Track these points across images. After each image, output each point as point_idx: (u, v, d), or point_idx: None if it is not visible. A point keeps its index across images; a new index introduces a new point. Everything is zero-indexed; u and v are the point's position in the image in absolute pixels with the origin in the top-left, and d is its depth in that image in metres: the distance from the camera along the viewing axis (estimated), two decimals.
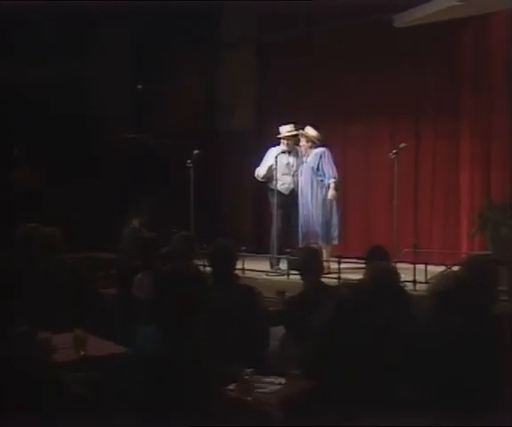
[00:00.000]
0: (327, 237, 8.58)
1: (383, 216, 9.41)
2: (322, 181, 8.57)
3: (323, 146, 8.65)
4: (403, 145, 8.03)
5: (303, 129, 8.69)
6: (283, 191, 8.84)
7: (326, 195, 8.53)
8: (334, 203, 8.57)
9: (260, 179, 9.04)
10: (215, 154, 9.96)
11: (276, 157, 8.69)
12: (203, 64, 10.89)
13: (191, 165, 8.91)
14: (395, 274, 4.64)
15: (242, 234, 9.86)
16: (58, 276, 5.55)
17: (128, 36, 10.24)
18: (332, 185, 8.47)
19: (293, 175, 8.87)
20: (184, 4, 8.97)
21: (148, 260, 5.82)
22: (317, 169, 8.59)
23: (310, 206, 8.61)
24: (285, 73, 10.31)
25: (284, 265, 8.66)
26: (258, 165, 9.19)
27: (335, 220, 8.59)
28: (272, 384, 3.85)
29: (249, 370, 3.77)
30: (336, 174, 8.49)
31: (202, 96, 10.90)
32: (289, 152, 8.86)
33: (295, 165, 8.89)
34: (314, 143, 8.65)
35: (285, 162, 8.86)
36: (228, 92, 10.80)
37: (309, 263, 5.52)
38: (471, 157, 9.03)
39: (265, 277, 8.35)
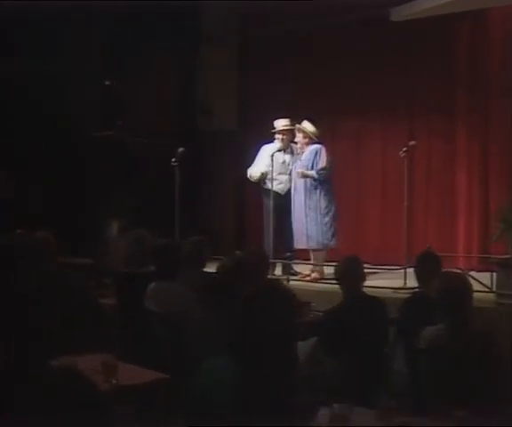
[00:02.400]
0: (321, 241, 7.90)
1: (376, 218, 8.99)
2: (316, 180, 7.89)
3: (319, 142, 7.98)
4: (412, 143, 7.48)
5: (300, 123, 7.99)
6: (279, 191, 8.16)
7: (321, 195, 7.86)
8: (330, 205, 7.91)
9: (253, 180, 8.34)
10: (197, 154, 9.27)
11: (272, 156, 8.00)
12: (181, 60, 10.22)
13: (176, 163, 8.23)
14: (469, 284, 4.01)
15: (228, 236, 9.35)
16: (58, 290, 4.83)
17: (101, 32, 9.47)
18: (313, 172, 7.78)
19: (290, 174, 8.20)
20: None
21: (165, 268, 5.07)
22: (312, 167, 7.90)
23: (304, 208, 7.91)
24: (269, 70, 9.65)
25: (278, 270, 8.07)
26: (243, 164, 8.64)
27: (330, 222, 7.91)
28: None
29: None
30: (322, 165, 7.78)
31: (181, 94, 10.24)
32: (284, 149, 8.19)
33: (291, 164, 8.23)
34: (311, 139, 7.94)
35: (281, 160, 8.20)
36: (208, 90, 10.11)
37: (350, 271, 4.84)
38: (468, 156, 8.55)
39: None
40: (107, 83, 9.21)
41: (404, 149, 7.38)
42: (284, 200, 8.06)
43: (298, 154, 8.15)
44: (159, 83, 9.69)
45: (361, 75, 8.97)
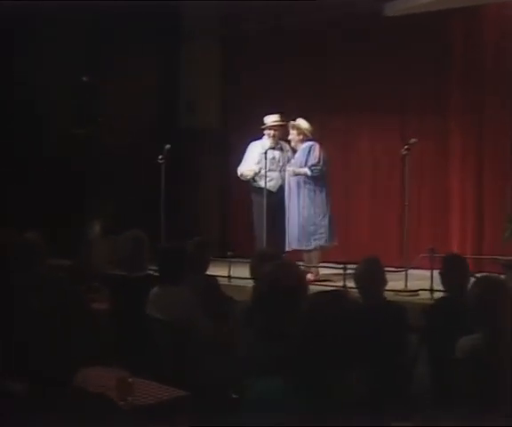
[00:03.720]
0: (316, 242, 7.60)
1: (367, 218, 8.71)
2: (309, 177, 7.58)
3: (313, 140, 7.66)
4: (413, 140, 7.16)
5: (294, 120, 7.67)
6: (270, 189, 7.81)
7: (315, 194, 7.56)
8: (324, 204, 7.59)
9: (245, 178, 7.99)
10: (181, 153, 8.87)
11: (266, 152, 7.67)
12: (165, 58, 9.82)
13: (162, 161, 7.92)
14: (509, 289, 3.70)
15: (213, 236, 8.88)
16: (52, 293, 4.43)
17: (83, 30, 9.03)
18: (305, 169, 7.48)
19: (280, 171, 7.89)
20: None
21: (169, 272, 4.71)
22: (305, 165, 7.59)
23: (297, 207, 7.62)
24: (256, 68, 9.25)
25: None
26: (229, 162, 8.40)
27: (325, 222, 7.60)
28: None
29: None
30: (315, 161, 7.48)
31: (165, 92, 9.80)
32: (274, 146, 7.87)
33: (281, 160, 7.93)
34: (305, 136, 7.63)
35: (271, 157, 7.86)
36: (193, 88, 9.70)
37: (371, 274, 4.51)
38: (462, 155, 8.27)
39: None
40: (84, 79, 9.04)
41: (406, 147, 7.11)
42: (275, 198, 7.75)
43: (287, 151, 7.89)
44: (142, 80, 9.34)
45: (351, 72, 8.65)
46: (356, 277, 4.57)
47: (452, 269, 4.39)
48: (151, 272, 5.28)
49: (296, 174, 7.57)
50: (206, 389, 3.70)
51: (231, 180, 8.67)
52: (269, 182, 7.83)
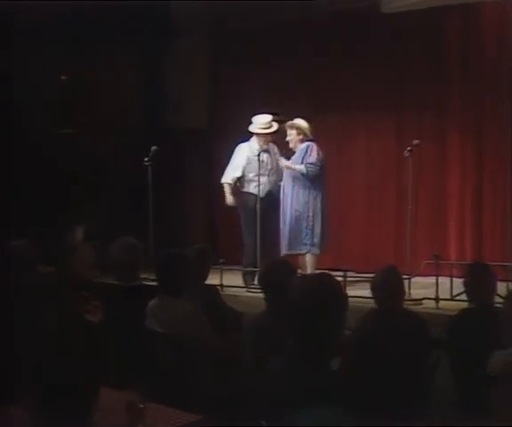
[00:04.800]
0: (310, 246, 7.31)
1: (362, 222, 8.48)
2: (304, 181, 7.30)
3: (312, 140, 7.38)
4: (416, 142, 6.96)
5: (292, 119, 7.39)
6: (257, 194, 7.50)
7: (309, 197, 7.27)
8: (319, 207, 7.31)
9: (230, 181, 7.63)
10: (167, 154, 8.39)
11: (259, 155, 7.38)
12: (150, 56, 9.53)
13: (149, 163, 7.67)
14: None
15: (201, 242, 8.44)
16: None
17: (63, 24, 8.60)
18: (301, 167, 7.21)
19: (269, 175, 7.58)
20: None
21: (169, 282, 4.37)
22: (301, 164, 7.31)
23: (290, 210, 7.35)
24: (245, 65, 8.96)
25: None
26: (215, 164, 8.19)
27: (319, 226, 7.31)
28: None
29: None
30: (312, 160, 7.20)
31: (149, 91, 9.54)
32: (262, 149, 7.51)
33: (269, 163, 7.62)
34: (305, 136, 7.34)
35: (260, 160, 7.50)
36: (177, 86, 9.37)
37: (390, 284, 4.21)
38: (460, 156, 8.06)
39: (248, 294, 7.01)
40: (63, 77, 8.79)
41: (409, 148, 6.92)
42: (262, 203, 7.41)
43: (275, 153, 7.62)
44: (128, 79, 9.14)
45: (345, 69, 8.41)
46: (373, 287, 4.26)
47: (479, 279, 4.11)
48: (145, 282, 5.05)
49: (289, 168, 7.29)
50: (222, 413, 3.37)
51: (220, 182, 8.30)
52: (256, 188, 7.54)
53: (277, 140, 7.63)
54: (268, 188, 7.54)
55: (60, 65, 8.71)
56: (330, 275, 2.89)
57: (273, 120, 7.50)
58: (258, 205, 7.30)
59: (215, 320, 4.43)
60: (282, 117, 7.44)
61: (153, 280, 6.50)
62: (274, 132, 7.50)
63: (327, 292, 2.67)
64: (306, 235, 7.28)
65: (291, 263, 4.36)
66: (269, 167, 7.60)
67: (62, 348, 2.36)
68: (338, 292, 2.74)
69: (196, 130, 9.32)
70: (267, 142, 7.57)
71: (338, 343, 2.77)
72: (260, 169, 7.37)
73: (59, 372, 2.27)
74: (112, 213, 8.07)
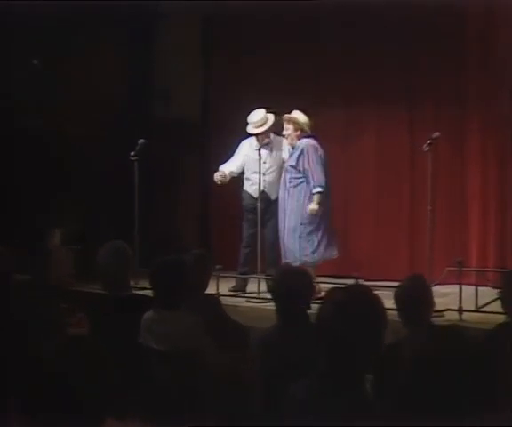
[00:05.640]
0: (310, 255, 7.22)
1: (370, 225, 8.49)
2: (301, 183, 7.21)
3: (312, 136, 7.32)
4: (436, 134, 6.92)
5: (289, 113, 7.32)
6: (252, 194, 7.56)
7: (305, 202, 7.18)
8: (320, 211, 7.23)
9: (226, 172, 7.65)
10: (155, 148, 8.50)
11: (259, 150, 7.39)
12: (135, 40, 9.51)
13: (135, 158, 7.75)
14: None
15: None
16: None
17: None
18: (315, 197, 7.09)
19: (265, 174, 7.57)
20: None
21: (166, 292, 4.30)
22: (295, 167, 7.23)
23: (286, 215, 7.29)
24: (242, 51, 8.97)
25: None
26: (213, 160, 8.21)
27: (319, 233, 7.25)
28: None
29: None
30: (322, 179, 7.12)
31: (134, 77, 9.52)
32: (261, 145, 7.51)
33: (268, 161, 7.61)
34: (303, 131, 7.27)
35: (255, 157, 7.50)
36: (165, 73, 9.37)
37: (417, 295, 4.15)
38: (481, 154, 8.02)
39: (248, 304, 7.08)
40: (34, 62, 8.71)
41: (428, 141, 6.88)
42: (257, 204, 7.46)
43: (281, 150, 7.60)
44: (109, 64, 9.10)
45: (351, 59, 8.40)
46: (398, 299, 4.19)
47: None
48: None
49: (313, 211, 7.13)
50: None
51: (211, 176, 8.26)
52: (251, 187, 7.63)
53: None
54: (261, 188, 7.51)
55: (33, 49, 8.66)
56: (366, 286, 2.79)
57: (268, 113, 7.49)
58: (246, 205, 7.50)
59: (218, 335, 4.34)
60: (275, 111, 7.47)
61: (140, 289, 6.53)
62: (269, 129, 7.49)
63: (366, 305, 2.59)
64: (307, 242, 7.22)
65: (308, 271, 4.27)
66: (268, 166, 7.58)
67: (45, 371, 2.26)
68: (378, 305, 2.65)
69: (189, 121, 9.33)
70: (265, 139, 7.55)
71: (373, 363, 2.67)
72: (260, 165, 7.38)
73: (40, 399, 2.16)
74: (92, 215, 8.23)
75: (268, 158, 7.57)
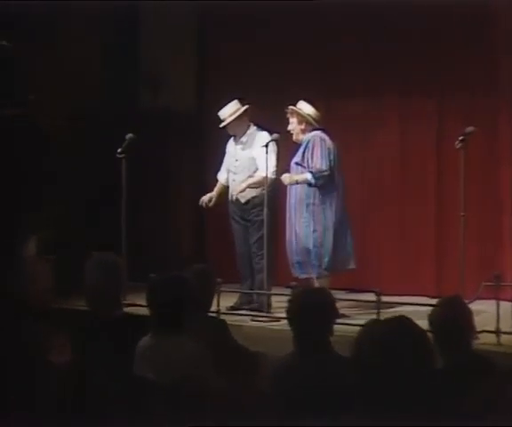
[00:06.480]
0: (318, 267, 7.23)
1: (393, 233, 8.56)
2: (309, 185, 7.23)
3: (321, 129, 7.29)
4: (470, 129, 6.89)
5: (294, 104, 7.31)
6: (239, 199, 7.58)
7: (315, 205, 7.19)
8: (332, 219, 7.26)
9: (210, 201, 7.82)
10: (143, 143, 8.43)
11: (267, 145, 7.32)
12: (120, 20, 9.54)
13: (123, 155, 7.76)
14: None
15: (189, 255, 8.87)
16: None
17: None
18: (301, 175, 7.19)
19: (235, 173, 7.69)
20: None
21: (167, 314, 4.23)
22: (300, 164, 7.24)
23: (294, 221, 7.33)
24: (241, 33, 9.12)
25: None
26: (209, 158, 8.54)
27: (330, 242, 7.24)
28: None
29: None
30: (320, 166, 7.13)
31: (119, 62, 9.50)
32: (237, 141, 7.67)
33: (239, 159, 7.73)
34: (309, 125, 7.27)
35: (233, 155, 7.68)
36: (156, 57, 9.42)
37: (457, 319, 4.10)
38: None
39: (252, 323, 7.07)
40: (2, 43, 8.70)
41: (460, 137, 6.85)
42: (244, 212, 7.58)
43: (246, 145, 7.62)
44: (89, 47, 9.15)
45: (367, 40, 8.48)
46: (434, 323, 4.12)
47: None
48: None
49: (293, 183, 7.24)
50: None
51: (210, 179, 8.38)
52: (232, 192, 7.66)
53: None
54: (231, 190, 7.62)
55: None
56: (409, 319, 2.74)
57: (243, 104, 7.57)
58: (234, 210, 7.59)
59: (224, 363, 4.32)
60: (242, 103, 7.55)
61: (128, 305, 6.49)
62: (235, 121, 7.51)
63: (411, 341, 2.60)
64: (319, 252, 7.21)
65: (329, 292, 4.21)
66: (237, 164, 7.63)
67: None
68: (424, 340, 2.64)
69: (182, 113, 9.39)
70: (239, 134, 7.60)
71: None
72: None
73: None
74: (73, 220, 8.27)
75: (239, 155, 7.60)
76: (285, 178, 7.24)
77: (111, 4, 9.07)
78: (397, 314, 5.52)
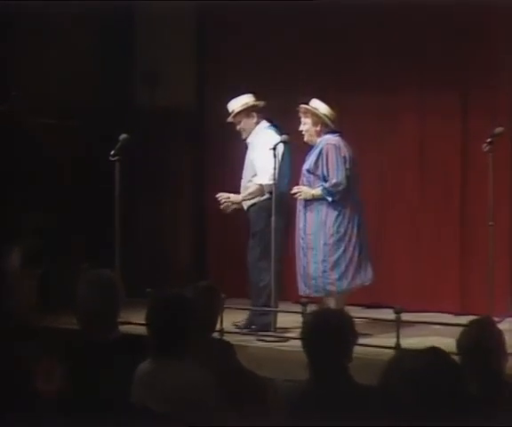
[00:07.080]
0: (330, 285, 7.28)
1: (410, 245, 8.64)
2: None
3: (337, 132, 7.31)
4: (499, 130, 6.93)
5: (307, 103, 7.30)
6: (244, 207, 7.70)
7: (328, 216, 7.20)
8: (344, 230, 7.28)
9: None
10: (138, 143, 8.65)
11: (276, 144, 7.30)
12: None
13: (116, 157, 7.80)
14: None
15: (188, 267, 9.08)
16: None
17: None
18: (316, 190, 7.20)
19: (243, 177, 7.79)
20: None
21: (167, 337, 4.21)
22: (312, 172, 7.24)
23: (304, 234, 7.35)
24: (245, 27, 9.26)
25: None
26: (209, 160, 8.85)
27: (347, 254, 7.29)
28: None
29: None
30: (336, 179, 7.15)
31: (113, 57, 9.65)
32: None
33: (246, 162, 7.83)
34: (325, 126, 7.27)
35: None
36: (153, 51, 9.58)
37: (489, 342, 4.07)
38: None
39: (259, 344, 7.05)
40: None
41: (489, 139, 6.89)
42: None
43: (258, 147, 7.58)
44: (81, 40, 9.29)
45: (387, 36, 8.61)
46: (463, 347, 4.10)
47: None
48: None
49: (312, 197, 7.23)
50: None
51: (210, 182, 8.66)
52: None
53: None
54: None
55: None
56: (440, 349, 2.74)
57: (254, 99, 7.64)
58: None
59: (229, 390, 4.32)
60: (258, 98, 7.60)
61: (122, 323, 6.49)
62: (239, 116, 7.56)
63: (445, 376, 2.60)
64: (332, 267, 7.24)
65: (348, 314, 4.19)
66: (244, 166, 7.67)
67: None
68: (459, 375, 2.66)
69: (181, 111, 9.51)
70: (245, 131, 7.62)
71: None
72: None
73: None
74: (62, 228, 8.30)
75: (246, 156, 7.65)
76: (301, 192, 7.23)
77: (111, 4, 9.20)
78: (419, 333, 5.54)
